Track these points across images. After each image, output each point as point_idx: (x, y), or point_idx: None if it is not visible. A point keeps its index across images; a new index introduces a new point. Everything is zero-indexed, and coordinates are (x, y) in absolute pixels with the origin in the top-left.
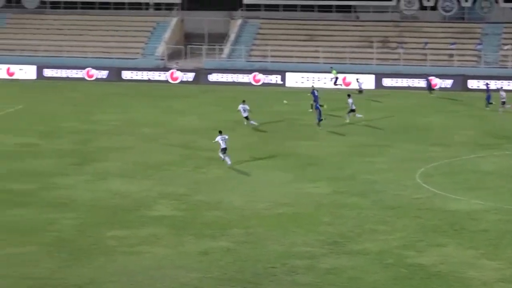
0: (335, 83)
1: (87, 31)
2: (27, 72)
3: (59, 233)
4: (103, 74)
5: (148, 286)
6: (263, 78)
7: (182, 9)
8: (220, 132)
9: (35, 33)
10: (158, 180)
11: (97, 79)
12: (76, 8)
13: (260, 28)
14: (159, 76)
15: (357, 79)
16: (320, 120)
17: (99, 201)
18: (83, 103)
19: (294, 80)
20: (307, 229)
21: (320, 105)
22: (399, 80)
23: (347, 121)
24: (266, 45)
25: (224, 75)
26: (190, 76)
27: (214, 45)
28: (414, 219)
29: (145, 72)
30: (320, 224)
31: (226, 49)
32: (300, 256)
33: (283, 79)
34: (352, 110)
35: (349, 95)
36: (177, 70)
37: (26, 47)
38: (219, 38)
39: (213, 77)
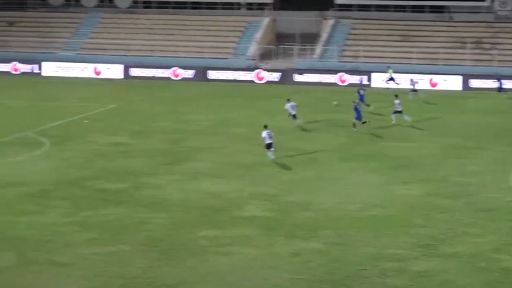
0: (387, 82)
1: (179, 31)
2: (114, 71)
3: (151, 232)
4: (190, 73)
5: (239, 286)
6: (349, 78)
7: (274, 9)
8: (266, 127)
9: (127, 33)
10: (249, 180)
11: (183, 79)
12: (167, 7)
13: (353, 29)
14: (245, 76)
15: (411, 79)
16: (358, 119)
17: (190, 201)
18: (174, 103)
19: (381, 80)
20: (398, 231)
21: (367, 105)
22: (487, 81)
23: (393, 122)
24: (358, 45)
25: (311, 75)
26: (276, 76)
27: (306, 45)
28: (507, 222)
29: (230, 72)
30: (412, 226)
31: (318, 49)
32: (391, 259)
33: (369, 79)
34: (399, 112)
35: (396, 96)
36: (263, 70)
37: (119, 47)
38: (310, 38)
39: (299, 77)
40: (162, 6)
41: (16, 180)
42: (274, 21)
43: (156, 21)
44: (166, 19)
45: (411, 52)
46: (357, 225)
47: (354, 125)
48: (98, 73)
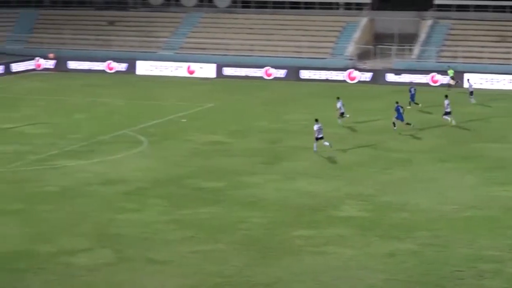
0: (450, 84)
1: (277, 31)
2: (207, 70)
3: (247, 231)
4: (282, 73)
5: (334, 286)
6: (441, 78)
7: (372, 9)
8: (317, 120)
9: (226, 32)
10: (345, 180)
11: (275, 78)
12: (266, 7)
13: (451, 29)
14: (337, 75)
15: (467, 79)
16: (399, 119)
17: (287, 200)
18: (271, 102)
19: (479, 81)
20: (495, 232)
21: (416, 103)
22: None
23: (453, 123)
24: (457, 46)
25: (405, 75)
26: (367, 76)
27: (404, 46)
28: None
29: (323, 72)
30: (509, 228)
31: (416, 49)
32: (487, 260)
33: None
34: (448, 113)
35: (446, 96)
36: (359, 70)
37: (217, 46)
38: (408, 38)
39: (392, 77)
40: (261, 6)
41: (114, 178)
42: (372, 21)
43: (255, 21)
44: (265, 19)
45: (509, 53)
46: (453, 226)
47: (394, 124)
48: (191, 72)
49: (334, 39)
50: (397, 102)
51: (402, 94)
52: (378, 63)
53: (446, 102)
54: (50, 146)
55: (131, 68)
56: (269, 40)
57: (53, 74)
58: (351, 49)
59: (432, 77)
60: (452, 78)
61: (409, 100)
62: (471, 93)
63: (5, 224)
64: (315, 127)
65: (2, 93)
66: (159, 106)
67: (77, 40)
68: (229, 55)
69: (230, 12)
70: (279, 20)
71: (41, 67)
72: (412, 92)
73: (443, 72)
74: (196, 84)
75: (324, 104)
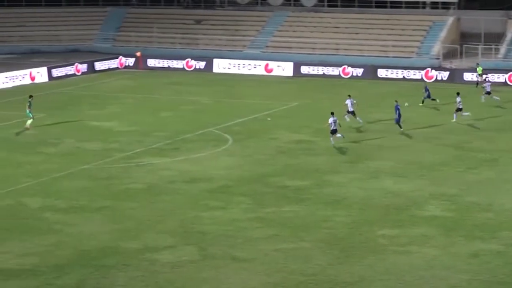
0: (479, 81)
1: (364, 30)
2: (284, 69)
3: (331, 230)
4: (359, 72)
5: (417, 286)
6: None
7: (459, 8)
8: (332, 114)
9: (312, 31)
10: (430, 180)
11: (352, 77)
12: (353, 6)
13: None
14: (414, 74)
15: (485, 78)
16: (397, 119)
17: (371, 199)
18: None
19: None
20: None
21: (433, 99)
22: None
23: (454, 120)
24: None
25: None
26: (444, 75)
27: (491, 45)
28: None
29: (399, 71)
30: None
31: (502, 49)
32: None
33: None
34: (459, 109)
35: (458, 93)
36: (433, 69)
37: (303, 45)
38: (495, 38)
39: (468, 76)
40: (348, 5)
41: (200, 175)
42: (458, 20)
43: (341, 20)
44: (351, 18)
45: None
46: None
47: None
48: (269, 71)
49: (420, 38)
50: (396, 101)
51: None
52: (464, 63)
53: (458, 99)
54: (136, 144)
55: (209, 66)
56: (355, 39)
57: (137, 72)
58: (437, 48)
59: (510, 75)
60: (481, 75)
61: (424, 98)
62: (488, 92)
63: (92, 220)
64: (330, 120)
65: (89, 91)
66: (243, 104)
67: (164, 39)
68: (305, 53)
69: (316, 11)
70: (365, 19)
71: (123, 65)
72: (428, 89)
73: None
74: (279, 83)
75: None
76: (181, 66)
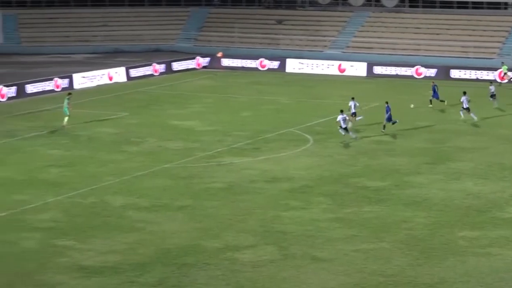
0: (502, 79)
1: (445, 30)
2: (357, 69)
3: (411, 231)
4: (432, 72)
5: None
6: None
7: None
8: (342, 111)
9: (393, 32)
10: (511, 182)
11: (425, 77)
12: (434, 7)
13: None
14: (487, 75)
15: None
16: (389, 121)
17: (451, 200)
18: (434, 102)
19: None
20: None
21: (441, 101)
22: None
23: (462, 117)
24: None
25: None
26: None
27: None
28: None
29: (473, 71)
30: None
31: None
32: None
33: None
34: (466, 109)
35: (464, 93)
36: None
37: (383, 45)
38: None
39: None
40: (429, 5)
41: (279, 175)
42: None
43: (422, 20)
44: (432, 19)
45: None
46: None
47: (384, 126)
48: (342, 71)
49: (502, 39)
50: (386, 102)
51: None
52: None
53: (464, 98)
54: (217, 143)
55: (282, 66)
56: (436, 40)
57: (216, 72)
58: None
59: None
60: (506, 74)
61: (432, 98)
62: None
63: (174, 219)
64: (339, 117)
65: (170, 91)
66: (323, 104)
67: (245, 39)
68: (376, 53)
69: (397, 12)
70: (446, 19)
71: (201, 66)
72: (435, 89)
73: None
74: (355, 83)
75: (487, 105)
76: (255, 66)
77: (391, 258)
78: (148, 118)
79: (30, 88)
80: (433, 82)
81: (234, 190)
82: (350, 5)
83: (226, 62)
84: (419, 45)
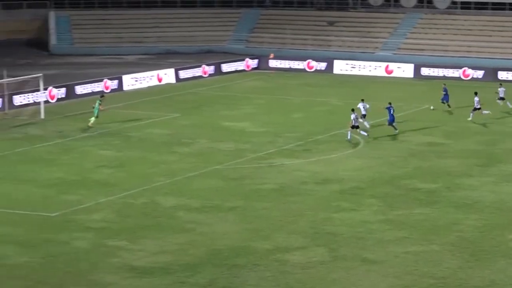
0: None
1: (497, 32)
2: (404, 70)
3: (461, 233)
4: (479, 74)
5: None
6: None
7: None
8: (353, 110)
9: (444, 33)
10: None
11: (472, 79)
12: (486, 9)
13: None
14: None
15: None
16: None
17: (502, 203)
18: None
19: None
20: None
21: (448, 105)
22: None
23: (470, 119)
24: None
25: None
26: None
27: None
28: None
29: None
30: None
31: None
32: None
33: None
34: (478, 109)
35: (475, 93)
36: None
37: (435, 47)
38: None
39: None
40: (481, 7)
41: (331, 177)
42: None
43: (474, 22)
44: (484, 20)
45: None
46: None
47: (395, 128)
48: (389, 72)
49: None
50: (389, 103)
51: None
52: None
53: (476, 99)
54: (268, 145)
55: (329, 67)
56: (487, 41)
57: (268, 73)
58: None
59: None
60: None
61: (442, 100)
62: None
63: (225, 220)
64: (352, 116)
65: (221, 92)
66: (373, 106)
67: (296, 40)
68: (427, 55)
69: (449, 13)
70: (498, 21)
71: (250, 67)
72: (446, 91)
73: None
74: (404, 85)
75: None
76: (302, 67)
77: (441, 260)
78: (200, 119)
79: (80, 89)
80: (444, 84)
81: (284, 192)
82: (402, 6)
83: (274, 63)
84: (470, 46)
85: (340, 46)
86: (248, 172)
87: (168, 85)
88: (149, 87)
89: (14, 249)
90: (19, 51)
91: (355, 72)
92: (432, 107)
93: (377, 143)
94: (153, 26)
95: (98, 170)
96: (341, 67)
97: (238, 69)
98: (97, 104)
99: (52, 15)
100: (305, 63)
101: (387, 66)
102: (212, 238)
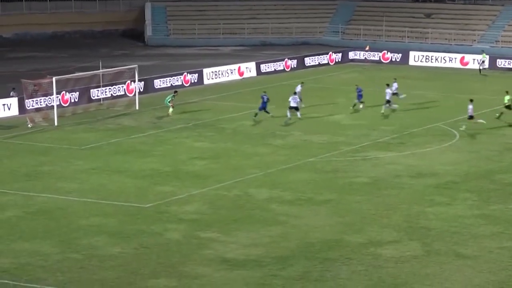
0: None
1: None
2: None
3: None
4: None
5: None
6: None
7: None
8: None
9: None
10: None
11: None
12: None
13: None
14: None
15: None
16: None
17: None
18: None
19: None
20: None
21: (361, 102)
22: None
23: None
24: None
25: None
26: None
27: None
28: None
29: None
30: None
31: None
32: None
33: None
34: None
35: (471, 100)
36: None
37: None
38: None
39: None
40: None
41: (425, 170)
42: None
43: None
44: None
45: None
46: None
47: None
48: (465, 64)
49: None
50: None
51: None
52: None
53: (470, 107)
54: (362, 137)
55: (404, 58)
56: None
57: (363, 65)
58: None
59: None
60: (483, 62)
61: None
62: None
63: (317, 213)
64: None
65: (316, 84)
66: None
67: (392, 32)
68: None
69: None
70: None
71: (334, 61)
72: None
73: None
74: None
75: None
76: (377, 58)
77: None
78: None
79: (158, 83)
80: (357, 85)
81: (378, 185)
82: None
83: (352, 55)
84: None
85: (437, 38)
86: (342, 165)
87: (246, 79)
88: (227, 81)
89: (106, 239)
90: (115, 42)
91: (429, 64)
92: (464, 127)
93: (475, 137)
94: (249, 18)
95: (191, 162)
96: (416, 58)
97: (321, 63)
98: (169, 97)
99: (148, 6)
100: (380, 54)
101: (462, 58)
102: (305, 231)
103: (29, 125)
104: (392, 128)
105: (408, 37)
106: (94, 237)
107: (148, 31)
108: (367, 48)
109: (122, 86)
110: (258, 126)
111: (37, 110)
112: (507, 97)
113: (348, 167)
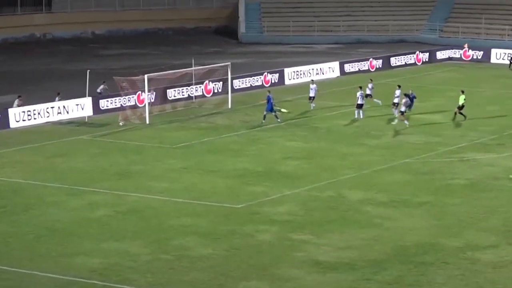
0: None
1: None
2: None
3: None
4: None
5: None
6: None
7: None
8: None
9: None
10: None
11: None
12: None
13: None
14: None
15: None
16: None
17: None
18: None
19: None
20: None
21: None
22: None
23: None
24: None
25: None
26: None
27: None
28: None
29: None
30: None
31: None
32: None
33: None
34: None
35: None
36: None
37: None
38: None
39: None
40: None
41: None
42: None
43: None
44: None
45: None
46: None
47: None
48: None
49: None
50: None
51: None
52: None
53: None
54: (459, 138)
55: (486, 56)
56: None
57: (461, 64)
58: None
59: None
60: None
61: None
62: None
63: (413, 216)
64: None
65: (412, 83)
66: None
67: (492, 30)
68: None
69: None
70: None
71: (421, 61)
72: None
73: None
74: None
75: None
76: (458, 56)
77: None
78: (387, 112)
79: (237, 84)
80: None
81: (476, 187)
82: None
83: (439, 56)
84: None
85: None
86: (439, 166)
87: (332, 79)
88: (312, 80)
89: (197, 240)
90: (208, 39)
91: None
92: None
93: None
94: (345, 15)
95: (284, 162)
96: (498, 55)
97: (408, 63)
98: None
99: (242, 3)
100: (461, 52)
101: None
102: (400, 233)
103: (121, 123)
104: (491, 129)
105: (508, 35)
106: (185, 238)
107: (242, 28)
108: (465, 46)
109: (216, 84)
110: (352, 126)
111: (130, 108)
112: (462, 97)
113: (445, 168)
